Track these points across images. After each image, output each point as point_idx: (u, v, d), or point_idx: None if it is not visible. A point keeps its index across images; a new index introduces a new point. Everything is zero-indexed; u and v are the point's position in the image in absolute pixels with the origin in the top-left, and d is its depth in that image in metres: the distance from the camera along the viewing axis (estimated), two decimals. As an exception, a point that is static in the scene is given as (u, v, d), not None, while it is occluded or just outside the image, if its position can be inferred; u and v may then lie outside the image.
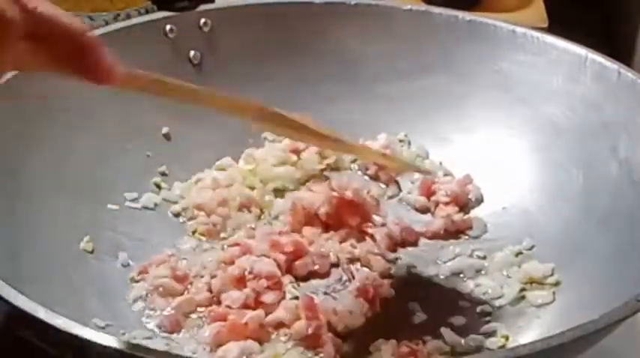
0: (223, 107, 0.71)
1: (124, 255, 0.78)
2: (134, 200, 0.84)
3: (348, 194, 0.81)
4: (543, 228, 0.82)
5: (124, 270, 0.77)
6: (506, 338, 0.72)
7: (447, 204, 0.85)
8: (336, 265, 0.79)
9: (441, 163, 0.90)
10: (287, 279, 0.76)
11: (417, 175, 0.89)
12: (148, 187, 0.86)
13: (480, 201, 0.86)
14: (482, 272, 0.79)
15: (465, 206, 0.86)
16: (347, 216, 0.82)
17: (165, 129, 0.90)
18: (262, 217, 0.85)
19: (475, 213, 0.86)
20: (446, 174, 0.89)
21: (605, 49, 0.86)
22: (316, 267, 0.78)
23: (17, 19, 0.50)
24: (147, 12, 1.07)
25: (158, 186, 0.87)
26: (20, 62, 0.54)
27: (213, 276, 0.75)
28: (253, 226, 0.83)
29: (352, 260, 0.79)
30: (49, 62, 0.55)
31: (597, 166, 0.81)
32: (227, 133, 0.91)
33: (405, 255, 0.81)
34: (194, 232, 0.82)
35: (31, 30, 0.52)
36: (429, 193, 0.86)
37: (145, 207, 0.84)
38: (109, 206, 0.82)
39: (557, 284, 0.76)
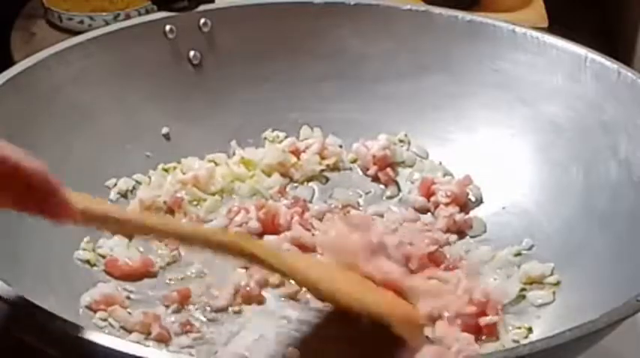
0: (183, 240, 0.69)
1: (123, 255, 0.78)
2: (134, 200, 0.84)
3: None
4: (543, 227, 0.82)
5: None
6: (507, 338, 0.72)
7: (447, 204, 0.84)
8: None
9: (440, 163, 0.90)
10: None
11: (416, 175, 0.89)
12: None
13: (479, 201, 0.86)
14: (482, 272, 0.79)
15: (464, 206, 0.85)
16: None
17: (165, 129, 0.89)
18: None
19: (475, 213, 0.85)
20: (446, 174, 0.89)
21: (605, 49, 0.86)
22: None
23: None
24: (147, 12, 1.07)
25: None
26: None
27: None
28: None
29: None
30: (9, 200, 0.57)
31: (597, 166, 0.81)
32: (227, 133, 0.91)
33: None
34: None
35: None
36: (428, 193, 0.86)
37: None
38: (109, 206, 0.82)
39: (557, 284, 0.76)
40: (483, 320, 0.71)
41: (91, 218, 0.61)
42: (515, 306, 0.75)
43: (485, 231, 0.84)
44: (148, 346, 0.69)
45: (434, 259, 0.77)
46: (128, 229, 0.68)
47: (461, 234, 0.83)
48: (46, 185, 0.56)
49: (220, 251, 0.67)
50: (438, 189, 0.86)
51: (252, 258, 0.67)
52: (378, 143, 0.90)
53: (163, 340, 0.70)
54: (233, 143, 0.90)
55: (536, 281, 0.77)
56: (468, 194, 0.86)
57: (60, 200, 0.57)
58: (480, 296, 0.72)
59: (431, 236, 0.79)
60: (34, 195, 0.56)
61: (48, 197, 0.56)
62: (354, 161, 0.91)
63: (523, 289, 0.76)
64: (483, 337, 0.71)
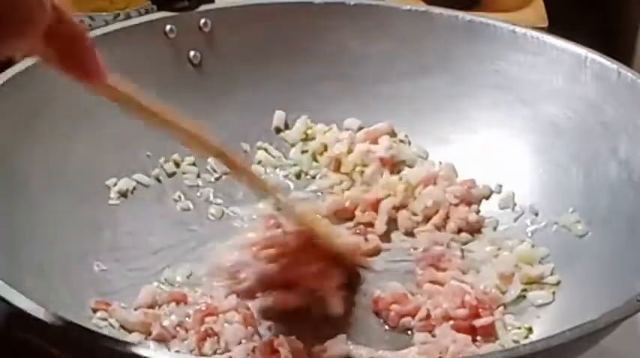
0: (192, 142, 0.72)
1: (124, 255, 0.78)
2: (134, 200, 0.84)
3: None
4: (543, 228, 0.82)
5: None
6: (506, 338, 0.72)
7: (457, 205, 0.84)
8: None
9: (440, 163, 0.90)
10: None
11: (417, 175, 0.89)
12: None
13: (479, 201, 0.86)
14: (482, 272, 0.79)
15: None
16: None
17: (165, 129, 0.89)
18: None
19: (475, 213, 0.86)
20: (446, 174, 0.89)
21: (605, 49, 0.86)
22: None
23: (49, 12, 0.53)
24: (147, 12, 1.07)
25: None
26: (32, 51, 0.58)
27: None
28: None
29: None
30: (53, 57, 0.57)
31: (597, 166, 0.81)
32: (228, 133, 0.90)
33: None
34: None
35: (51, 25, 0.54)
36: (430, 194, 0.86)
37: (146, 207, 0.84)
38: (109, 206, 0.82)
39: (557, 284, 0.76)
40: (478, 322, 0.71)
41: (114, 94, 0.64)
42: (515, 306, 0.75)
43: (485, 231, 0.84)
44: (148, 346, 0.69)
45: (432, 263, 0.78)
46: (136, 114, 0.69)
47: (465, 232, 0.83)
48: (84, 41, 0.57)
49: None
50: (442, 189, 0.86)
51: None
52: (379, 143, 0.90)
53: (163, 340, 0.70)
54: (235, 143, 0.90)
55: (536, 282, 0.77)
56: (472, 194, 0.86)
57: (97, 61, 0.59)
58: (472, 299, 0.72)
59: (433, 239, 0.80)
60: (75, 53, 0.57)
61: (87, 57, 0.58)
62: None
63: (523, 289, 0.76)
64: (479, 338, 0.71)
